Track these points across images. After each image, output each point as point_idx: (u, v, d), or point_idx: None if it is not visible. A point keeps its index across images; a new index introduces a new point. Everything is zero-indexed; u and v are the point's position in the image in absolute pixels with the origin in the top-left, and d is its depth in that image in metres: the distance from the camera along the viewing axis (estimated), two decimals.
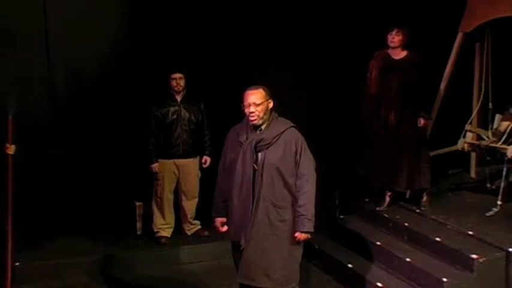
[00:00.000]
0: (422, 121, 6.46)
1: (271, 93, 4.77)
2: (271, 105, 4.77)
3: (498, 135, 6.67)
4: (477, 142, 6.85)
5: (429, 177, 6.53)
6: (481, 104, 7.18)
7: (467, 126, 6.99)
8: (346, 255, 6.37)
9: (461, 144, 6.96)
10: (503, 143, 6.53)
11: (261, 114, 4.71)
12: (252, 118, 4.71)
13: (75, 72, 7.11)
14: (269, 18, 7.53)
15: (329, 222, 6.80)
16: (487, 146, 6.70)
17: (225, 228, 4.97)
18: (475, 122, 7.22)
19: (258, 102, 4.68)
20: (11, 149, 5.24)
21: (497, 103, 6.98)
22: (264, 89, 4.74)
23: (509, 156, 6.33)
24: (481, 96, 7.15)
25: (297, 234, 4.74)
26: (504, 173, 6.40)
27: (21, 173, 5.40)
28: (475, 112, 7.14)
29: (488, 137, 6.72)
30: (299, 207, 4.72)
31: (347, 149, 7.26)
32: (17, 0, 6.77)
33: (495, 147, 6.60)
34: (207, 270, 6.48)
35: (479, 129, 7.07)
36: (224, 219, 4.95)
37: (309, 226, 4.73)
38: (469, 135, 6.97)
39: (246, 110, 4.71)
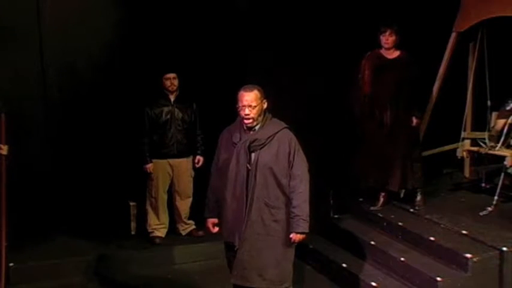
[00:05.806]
0: (415, 120, 6.47)
1: (265, 94, 4.77)
2: (265, 105, 4.78)
3: (494, 137, 6.65)
4: (475, 149, 6.83)
5: (422, 176, 6.54)
6: (476, 104, 7.19)
7: (463, 134, 6.98)
8: (341, 254, 6.37)
9: (460, 153, 6.95)
10: (502, 145, 6.50)
11: (256, 116, 4.71)
12: (247, 121, 4.71)
13: (69, 72, 7.09)
14: (263, 18, 7.52)
15: (323, 222, 6.79)
16: (486, 153, 6.67)
17: (216, 229, 4.97)
18: (469, 125, 7.22)
19: (254, 104, 4.67)
20: (4, 149, 5.21)
21: (493, 102, 6.97)
22: (258, 90, 4.73)
23: (508, 165, 6.30)
24: (473, 95, 7.16)
25: (292, 235, 4.74)
26: (502, 176, 6.39)
27: (15, 173, 5.38)
28: (466, 111, 7.11)
29: (485, 143, 6.67)
30: (294, 208, 4.72)
31: (341, 149, 7.25)
32: (10, 1, 6.75)
33: (494, 155, 6.56)
34: (201, 270, 6.48)
35: (475, 133, 7.06)
36: (216, 220, 4.95)
37: (304, 227, 4.73)
38: (467, 142, 6.97)
39: (241, 112, 4.71)
